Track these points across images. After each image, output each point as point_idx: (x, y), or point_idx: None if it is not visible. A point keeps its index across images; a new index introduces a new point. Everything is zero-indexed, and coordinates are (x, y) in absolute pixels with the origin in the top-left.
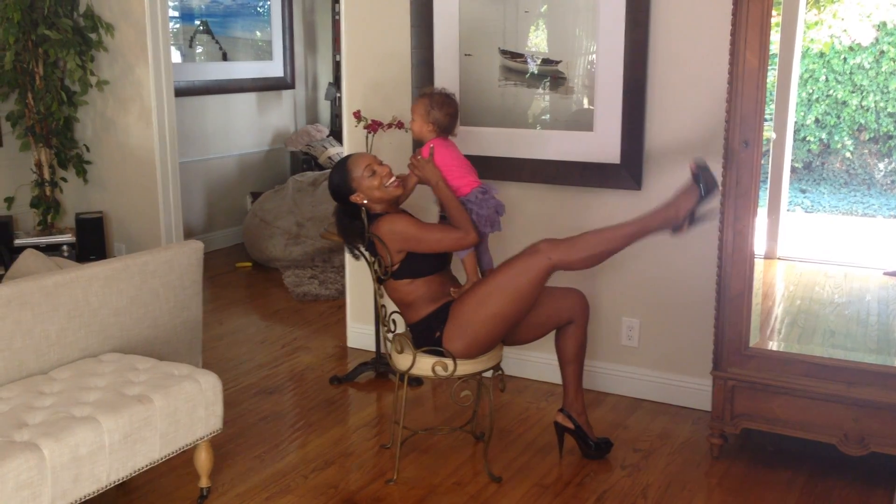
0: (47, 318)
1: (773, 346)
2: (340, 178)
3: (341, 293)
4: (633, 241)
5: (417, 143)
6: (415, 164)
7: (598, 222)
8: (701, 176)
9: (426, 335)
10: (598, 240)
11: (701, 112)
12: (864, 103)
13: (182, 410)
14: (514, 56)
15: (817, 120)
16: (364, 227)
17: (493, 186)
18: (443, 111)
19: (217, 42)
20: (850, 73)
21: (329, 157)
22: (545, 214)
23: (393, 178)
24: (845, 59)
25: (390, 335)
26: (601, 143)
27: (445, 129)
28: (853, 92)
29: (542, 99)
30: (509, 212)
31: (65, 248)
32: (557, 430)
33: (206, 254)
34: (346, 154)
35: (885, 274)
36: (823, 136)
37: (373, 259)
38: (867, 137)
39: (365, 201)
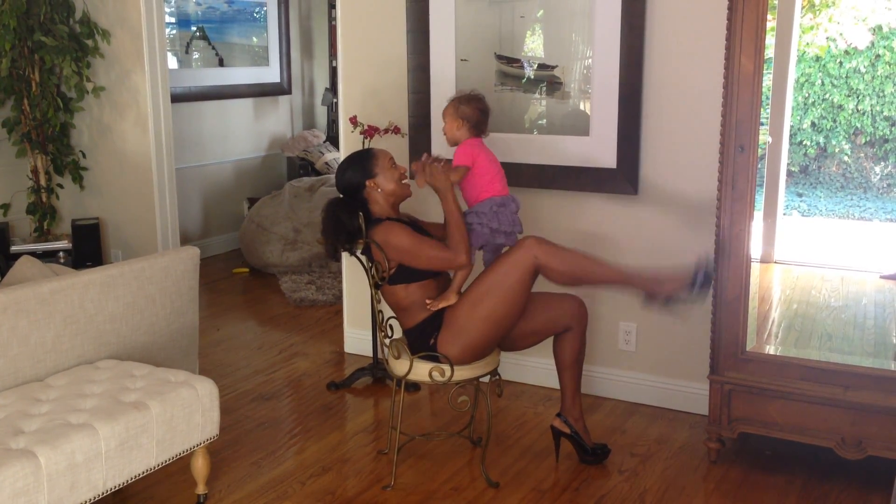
0: (43, 324)
1: (770, 350)
2: (362, 163)
3: (338, 298)
4: (609, 285)
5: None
6: (424, 167)
7: (594, 227)
8: (701, 272)
9: (421, 341)
10: (584, 263)
11: (697, 116)
12: (860, 107)
13: (179, 417)
14: (511, 61)
15: (813, 124)
16: (361, 229)
17: (517, 200)
18: (471, 105)
19: (213, 48)
20: (846, 76)
21: (326, 163)
22: (542, 219)
23: (407, 179)
24: (841, 62)
25: (387, 340)
26: (597, 148)
27: (477, 126)
28: (849, 96)
29: (538, 104)
30: None
31: (61, 254)
32: (554, 434)
33: (202, 260)
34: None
35: (882, 277)
36: (820, 139)
37: (370, 264)
38: (863, 141)
39: (379, 190)
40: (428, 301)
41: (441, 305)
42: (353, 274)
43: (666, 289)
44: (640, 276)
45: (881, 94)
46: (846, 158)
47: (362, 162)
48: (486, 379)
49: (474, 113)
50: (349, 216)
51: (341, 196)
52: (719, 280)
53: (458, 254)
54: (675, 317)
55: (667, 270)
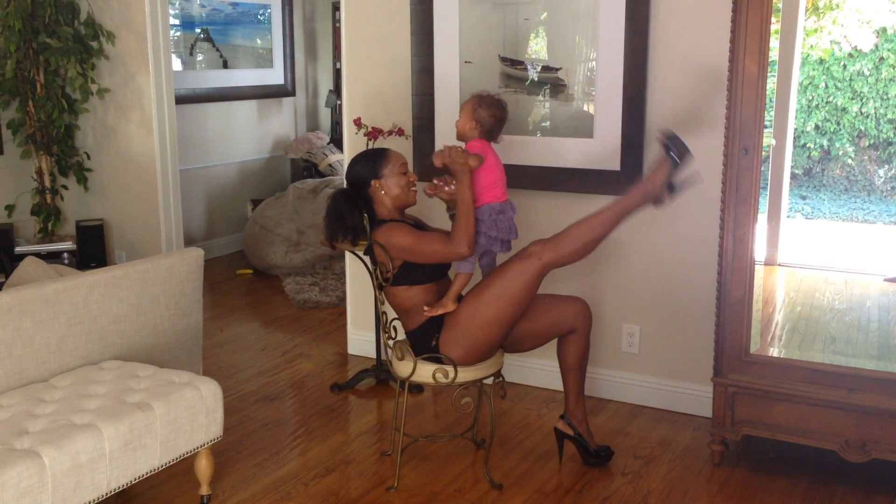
0: (48, 325)
1: (774, 352)
2: (372, 161)
3: (342, 300)
4: (617, 224)
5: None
6: (447, 150)
7: None
8: (671, 145)
9: (423, 343)
10: (584, 230)
11: (700, 119)
12: (864, 110)
13: (182, 418)
14: (514, 63)
15: (817, 126)
16: (365, 227)
17: (514, 206)
18: (489, 111)
19: (217, 50)
20: (850, 79)
21: (329, 165)
22: (545, 221)
23: (415, 188)
24: (845, 65)
25: (391, 342)
26: (601, 150)
27: (489, 131)
28: (853, 98)
29: (542, 106)
30: None
31: (65, 255)
32: (558, 436)
33: (206, 261)
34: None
35: (886, 280)
36: (824, 142)
37: (373, 266)
38: (867, 144)
39: (383, 192)
40: (426, 308)
41: (438, 312)
42: (356, 276)
43: (658, 181)
44: (633, 195)
45: (885, 97)
46: (850, 161)
47: (373, 160)
48: (490, 381)
49: (489, 119)
50: (351, 210)
51: (348, 188)
52: (723, 283)
53: (460, 245)
54: (693, 186)
55: (646, 172)
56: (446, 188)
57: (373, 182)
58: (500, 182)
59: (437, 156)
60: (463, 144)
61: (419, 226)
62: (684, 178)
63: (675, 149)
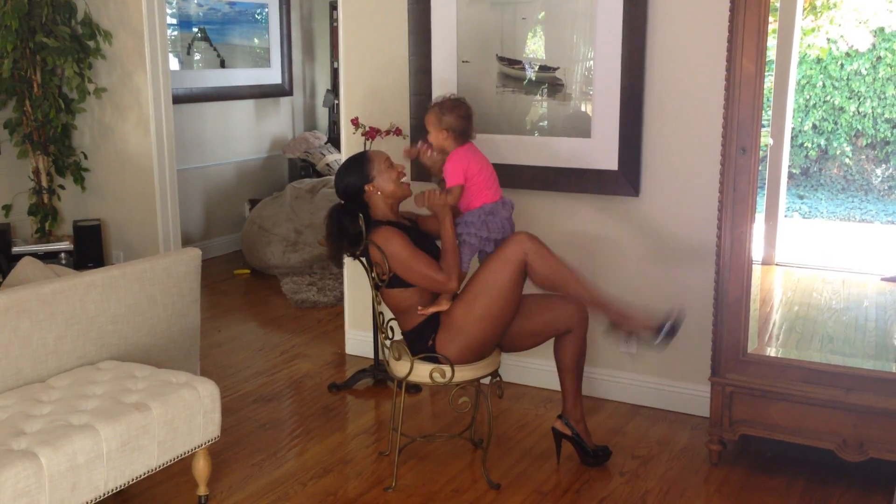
0: (45, 325)
1: (772, 352)
2: (359, 168)
3: (339, 300)
4: (581, 301)
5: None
6: (427, 195)
7: (595, 229)
8: (669, 324)
9: (420, 343)
10: (564, 273)
11: (698, 118)
12: (861, 109)
13: (180, 418)
14: (512, 63)
15: (815, 126)
16: (362, 232)
17: (509, 203)
18: (453, 114)
19: (215, 49)
20: (848, 79)
21: (327, 164)
22: (543, 221)
23: (406, 178)
24: (842, 65)
25: (388, 342)
26: (599, 150)
27: (462, 133)
28: (850, 98)
29: (539, 105)
30: None
31: (62, 255)
32: (555, 436)
33: (204, 261)
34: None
35: (883, 279)
36: (821, 142)
37: (370, 267)
38: (864, 143)
39: (378, 193)
40: (420, 308)
41: (432, 311)
42: (354, 276)
43: (631, 325)
44: (611, 305)
45: (882, 97)
46: (847, 161)
47: (359, 167)
48: (487, 380)
49: (458, 122)
50: (351, 221)
51: (342, 202)
52: (721, 282)
53: (451, 279)
54: (630, 354)
55: (638, 309)
56: (428, 153)
57: (366, 188)
58: (489, 183)
59: (418, 200)
60: (443, 158)
61: (416, 230)
62: (644, 344)
63: (669, 329)
